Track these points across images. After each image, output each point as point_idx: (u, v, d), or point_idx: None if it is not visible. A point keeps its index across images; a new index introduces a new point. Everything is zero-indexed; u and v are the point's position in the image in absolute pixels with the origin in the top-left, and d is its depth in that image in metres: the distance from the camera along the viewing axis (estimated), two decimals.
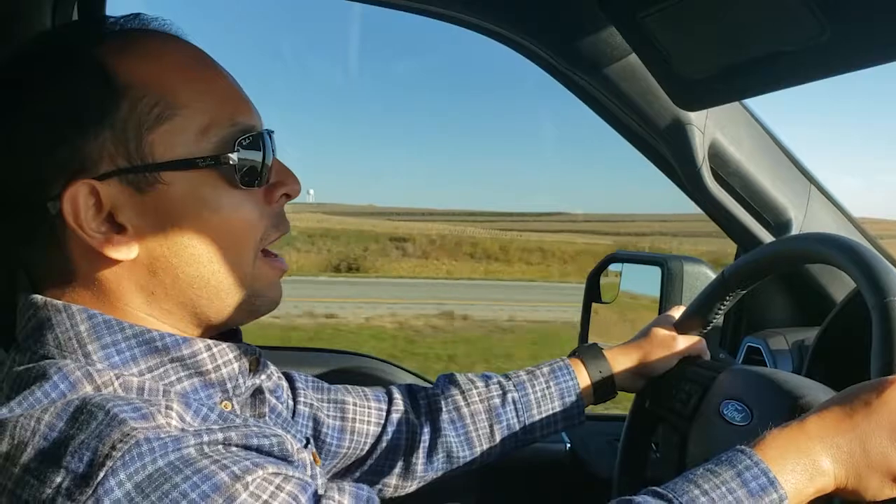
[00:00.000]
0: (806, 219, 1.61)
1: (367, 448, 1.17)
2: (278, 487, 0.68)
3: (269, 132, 0.84)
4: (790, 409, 1.00)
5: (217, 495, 0.64)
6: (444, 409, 1.20)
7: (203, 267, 0.79)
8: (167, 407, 0.71)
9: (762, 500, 0.78)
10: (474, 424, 1.20)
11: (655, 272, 1.69)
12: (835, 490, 0.82)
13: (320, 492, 0.72)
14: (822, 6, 0.96)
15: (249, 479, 0.66)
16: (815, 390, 1.04)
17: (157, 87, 0.76)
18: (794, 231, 1.60)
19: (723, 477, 0.79)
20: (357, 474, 1.18)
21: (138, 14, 0.83)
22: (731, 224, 1.64)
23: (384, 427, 1.18)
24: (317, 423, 1.14)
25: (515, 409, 1.21)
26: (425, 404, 1.23)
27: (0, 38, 1.32)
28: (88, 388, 0.71)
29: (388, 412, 1.20)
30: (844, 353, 1.27)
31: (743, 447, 0.82)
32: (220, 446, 0.70)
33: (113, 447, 0.63)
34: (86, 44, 0.78)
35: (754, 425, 1.05)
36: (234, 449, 0.71)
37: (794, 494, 0.79)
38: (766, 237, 1.62)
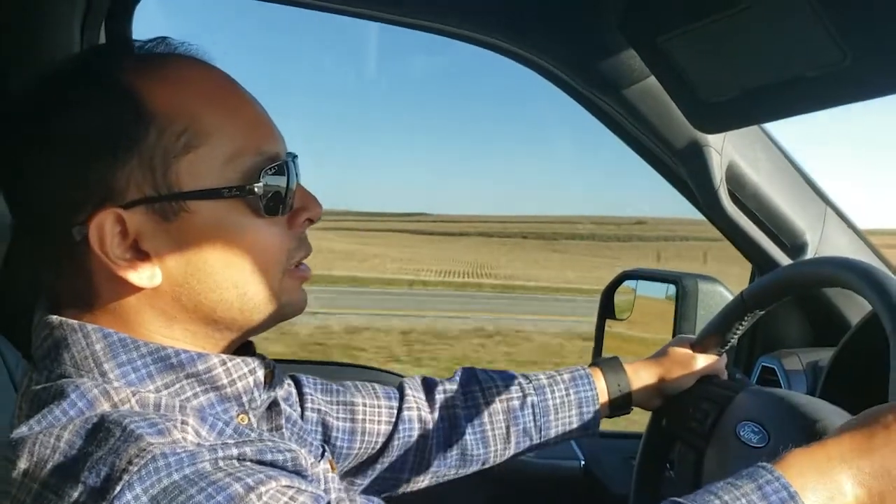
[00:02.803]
0: (821, 241, 1.62)
1: (378, 447, 1.17)
2: (291, 499, 0.68)
3: (293, 157, 0.84)
4: (808, 433, 1.00)
5: None
6: (462, 405, 1.20)
7: (227, 292, 0.80)
8: (183, 422, 0.72)
9: None
10: (491, 423, 1.20)
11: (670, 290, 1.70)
12: None
13: (333, 502, 0.72)
14: (843, 33, 0.97)
15: (263, 489, 0.67)
16: (833, 414, 1.04)
17: (184, 115, 0.76)
18: (810, 253, 1.61)
19: (743, 489, 0.79)
20: (369, 472, 1.17)
21: (165, 38, 0.83)
22: (747, 245, 1.65)
23: (395, 425, 1.17)
24: (326, 427, 1.13)
25: (533, 413, 1.21)
26: (441, 399, 1.22)
27: (29, 59, 1.34)
28: (106, 406, 0.72)
29: (400, 409, 1.19)
30: (859, 375, 1.28)
31: (764, 464, 0.82)
32: (234, 461, 0.70)
33: (130, 462, 0.64)
34: (114, 69, 0.78)
35: (771, 448, 1.06)
36: (248, 463, 0.71)
37: None
38: (783, 259, 1.63)
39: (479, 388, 1.22)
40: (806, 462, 0.82)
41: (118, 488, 0.63)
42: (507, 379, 1.24)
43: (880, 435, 0.83)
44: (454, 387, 1.23)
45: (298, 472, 0.77)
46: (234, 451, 0.71)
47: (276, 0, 1.43)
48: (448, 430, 1.19)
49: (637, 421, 1.37)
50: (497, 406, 1.21)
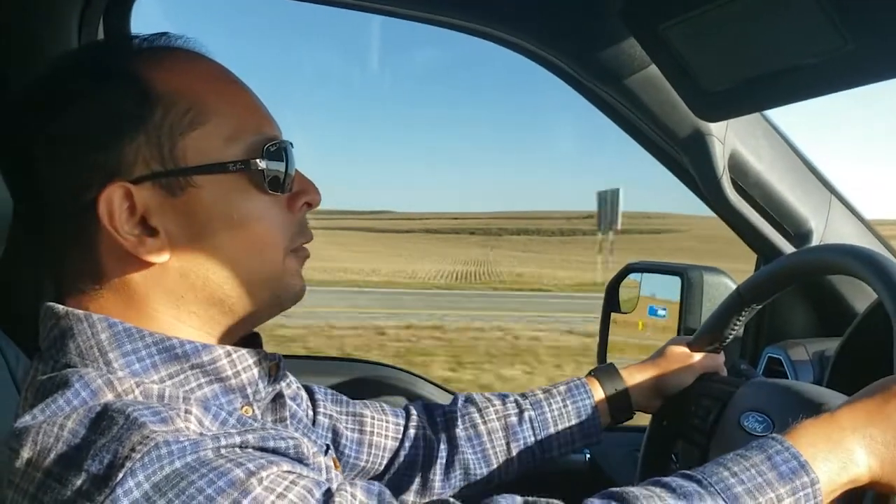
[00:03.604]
0: (826, 229, 1.61)
1: (384, 463, 1.18)
2: (293, 482, 0.69)
3: (290, 144, 0.86)
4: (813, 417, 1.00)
5: (232, 489, 0.65)
6: (461, 426, 1.21)
7: (232, 268, 0.81)
8: (186, 411, 0.72)
9: (793, 482, 0.77)
10: (491, 442, 1.20)
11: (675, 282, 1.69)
12: (869, 482, 0.81)
13: (333, 489, 0.73)
14: (844, 18, 0.97)
15: (264, 474, 0.68)
16: (837, 400, 1.03)
17: (188, 95, 0.79)
18: (815, 241, 1.60)
19: (753, 460, 0.79)
20: None
21: (165, 33, 0.86)
22: (751, 234, 1.64)
23: (401, 442, 1.19)
24: (336, 434, 1.15)
25: (532, 427, 1.21)
26: (442, 421, 1.23)
27: (27, 55, 1.35)
28: (109, 396, 0.72)
29: (406, 427, 1.20)
30: (866, 364, 1.26)
31: (773, 435, 0.82)
32: (236, 448, 0.71)
33: (132, 449, 0.64)
34: (121, 57, 0.81)
35: None
36: (249, 450, 0.72)
37: (826, 482, 0.79)
38: (787, 247, 1.62)
39: (475, 409, 1.22)
40: (817, 432, 0.82)
41: (121, 475, 0.64)
42: (503, 398, 1.25)
43: (891, 404, 0.83)
44: (453, 409, 1.24)
45: (300, 460, 0.78)
46: (237, 439, 0.72)
47: None
48: (449, 451, 1.20)
49: (644, 415, 1.36)
50: (495, 424, 1.21)
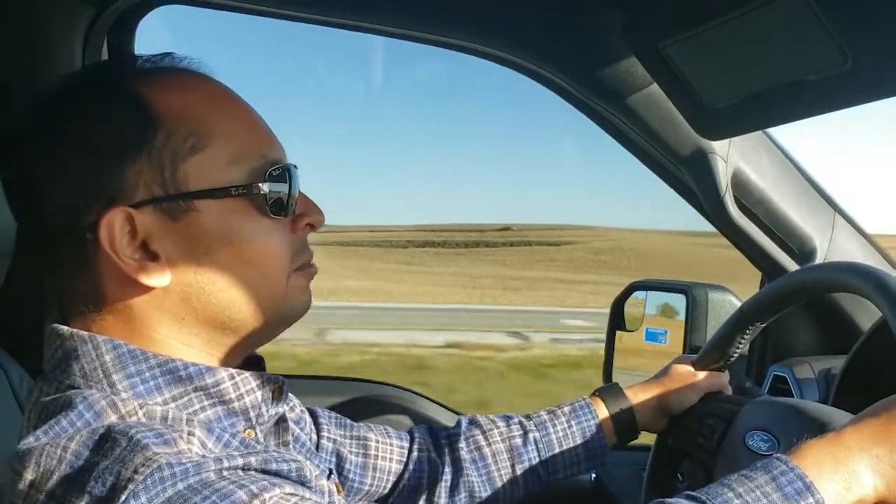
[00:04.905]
0: (831, 246, 1.60)
1: (389, 486, 1.17)
2: None
3: (294, 166, 0.86)
4: (817, 436, 0.99)
5: None
6: (465, 449, 1.20)
7: (235, 292, 0.81)
8: (189, 433, 0.72)
9: (798, 503, 0.77)
10: (496, 464, 1.20)
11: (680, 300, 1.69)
12: (874, 502, 0.81)
13: None
14: (845, 35, 0.97)
15: (266, 496, 0.67)
16: (842, 418, 1.02)
17: (190, 119, 0.78)
18: (819, 259, 1.59)
19: (757, 481, 0.78)
20: None
21: (169, 53, 0.86)
22: (755, 252, 1.63)
23: (406, 465, 1.18)
24: (340, 458, 1.14)
25: (537, 448, 1.21)
26: (446, 444, 1.22)
27: (31, 77, 1.36)
28: (113, 418, 0.72)
29: (410, 450, 1.20)
30: (872, 382, 1.26)
31: (779, 455, 0.81)
32: (239, 470, 0.71)
33: (135, 471, 0.64)
34: (123, 78, 0.81)
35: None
36: (252, 472, 0.72)
37: (832, 503, 0.78)
38: (791, 265, 1.61)
39: (480, 431, 1.22)
40: (822, 451, 0.82)
41: (123, 497, 0.63)
42: (507, 420, 1.24)
43: None
44: (458, 432, 1.23)
45: (303, 483, 0.77)
46: (240, 462, 0.71)
47: (277, 16, 1.44)
48: (454, 473, 1.19)
49: (649, 434, 1.35)
50: (500, 446, 1.21)
